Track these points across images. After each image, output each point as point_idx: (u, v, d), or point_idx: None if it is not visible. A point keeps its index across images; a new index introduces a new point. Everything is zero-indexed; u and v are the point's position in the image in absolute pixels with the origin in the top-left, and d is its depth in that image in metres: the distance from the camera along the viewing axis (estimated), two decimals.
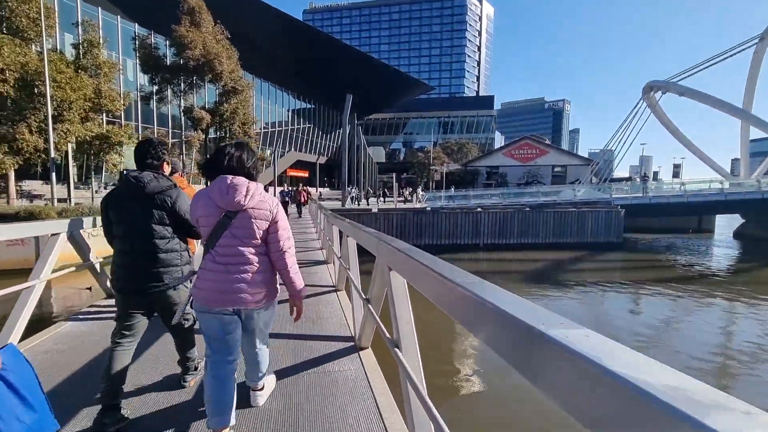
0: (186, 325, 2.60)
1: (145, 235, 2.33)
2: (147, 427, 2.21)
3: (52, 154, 14.99)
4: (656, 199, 25.71)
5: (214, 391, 1.99)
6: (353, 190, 33.48)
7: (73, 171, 21.77)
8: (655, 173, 48.00)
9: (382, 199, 33.87)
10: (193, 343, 2.70)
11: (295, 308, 2.15)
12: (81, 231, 4.35)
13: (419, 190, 34.11)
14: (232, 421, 2.02)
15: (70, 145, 20.75)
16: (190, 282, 2.33)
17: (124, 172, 2.36)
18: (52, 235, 3.87)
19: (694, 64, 36.48)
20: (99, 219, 2.68)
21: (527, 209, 22.71)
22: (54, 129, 18.49)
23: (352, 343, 3.38)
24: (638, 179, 30.63)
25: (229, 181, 1.96)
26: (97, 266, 4.67)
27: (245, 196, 1.96)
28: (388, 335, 2.14)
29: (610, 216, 22.49)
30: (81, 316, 4.14)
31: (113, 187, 2.64)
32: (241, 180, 1.99)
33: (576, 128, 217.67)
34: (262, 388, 2.39)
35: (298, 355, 3.15)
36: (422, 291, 1.50)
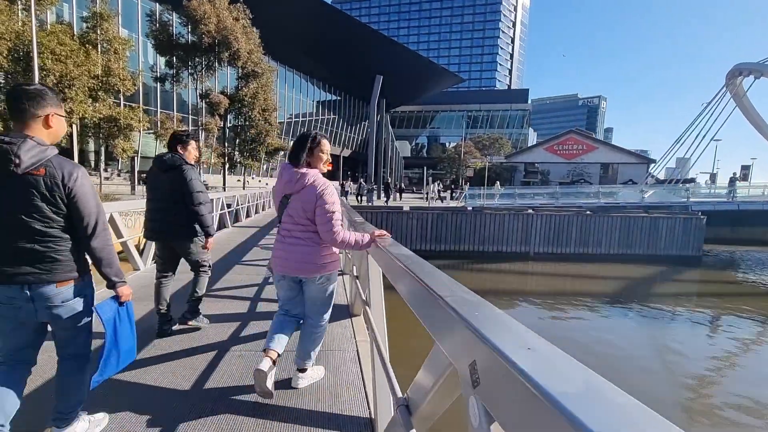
0: (203, 270, 3.41)
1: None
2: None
3: None
4: (746, 206, 21.61)
5: (273, 326, 2.42)
6: (348, 185, 29.44)
7: (76, 154, 19.96)
8: (713, 176, 43.19)
9: (398, 196, 30.60)
10: (203, 289, 3.42)
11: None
12: None
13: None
14: (280, 350, 2.30)
15: (74, 126, 18.92)
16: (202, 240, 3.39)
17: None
18: None
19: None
20: None
21: (587, 212, 19.21)
22: None
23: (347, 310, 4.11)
24: (707, 180, 26.50)
25: (285, 169, 2.39)
26: None
27: (295, 182, 2.32)
28: (363, 297, 2.95)
29: (689, 224, 18.73)
30: None
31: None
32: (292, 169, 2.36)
33: (609, 127, 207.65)
34: (306, 370, 2.55)
35: None
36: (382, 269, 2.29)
